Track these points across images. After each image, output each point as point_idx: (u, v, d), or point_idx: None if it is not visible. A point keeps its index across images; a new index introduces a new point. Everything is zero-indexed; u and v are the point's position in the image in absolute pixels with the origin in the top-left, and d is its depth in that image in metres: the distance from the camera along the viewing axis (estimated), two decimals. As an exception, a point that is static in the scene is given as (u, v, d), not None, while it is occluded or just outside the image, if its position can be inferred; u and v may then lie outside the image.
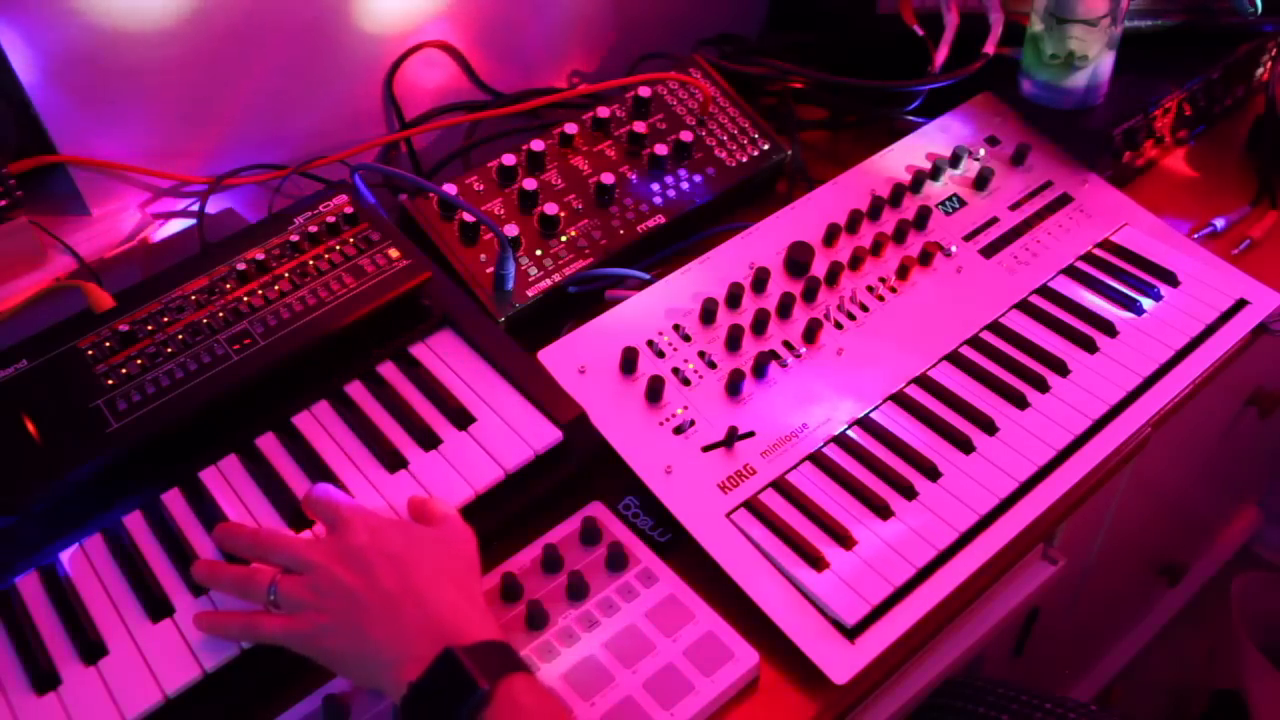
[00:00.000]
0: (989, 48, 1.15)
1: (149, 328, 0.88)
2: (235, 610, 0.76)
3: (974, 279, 1.05)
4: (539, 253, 1.04)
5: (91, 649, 0.76)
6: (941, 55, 1.16)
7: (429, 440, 0.87)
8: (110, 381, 0.85)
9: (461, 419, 0.88)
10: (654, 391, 0.91)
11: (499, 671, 0.65)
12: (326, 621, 0.70)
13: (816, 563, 0.82)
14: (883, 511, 0.86)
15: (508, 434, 0.87)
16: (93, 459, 0.81)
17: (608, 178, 1.07)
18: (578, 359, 0.94)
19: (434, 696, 0.65)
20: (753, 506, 0.86)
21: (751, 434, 0.90)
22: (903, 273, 1.03)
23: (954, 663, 0.96)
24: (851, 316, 1.00)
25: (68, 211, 1.00)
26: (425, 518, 0.78)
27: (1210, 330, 1.01)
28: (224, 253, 0.94)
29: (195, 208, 1.05)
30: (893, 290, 1.02)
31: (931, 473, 0.89)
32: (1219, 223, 1.15)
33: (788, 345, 0.97)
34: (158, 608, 0.78)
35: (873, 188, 1.09)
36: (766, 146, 1.16)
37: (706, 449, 0.89)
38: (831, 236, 1.04)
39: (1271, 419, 1.48)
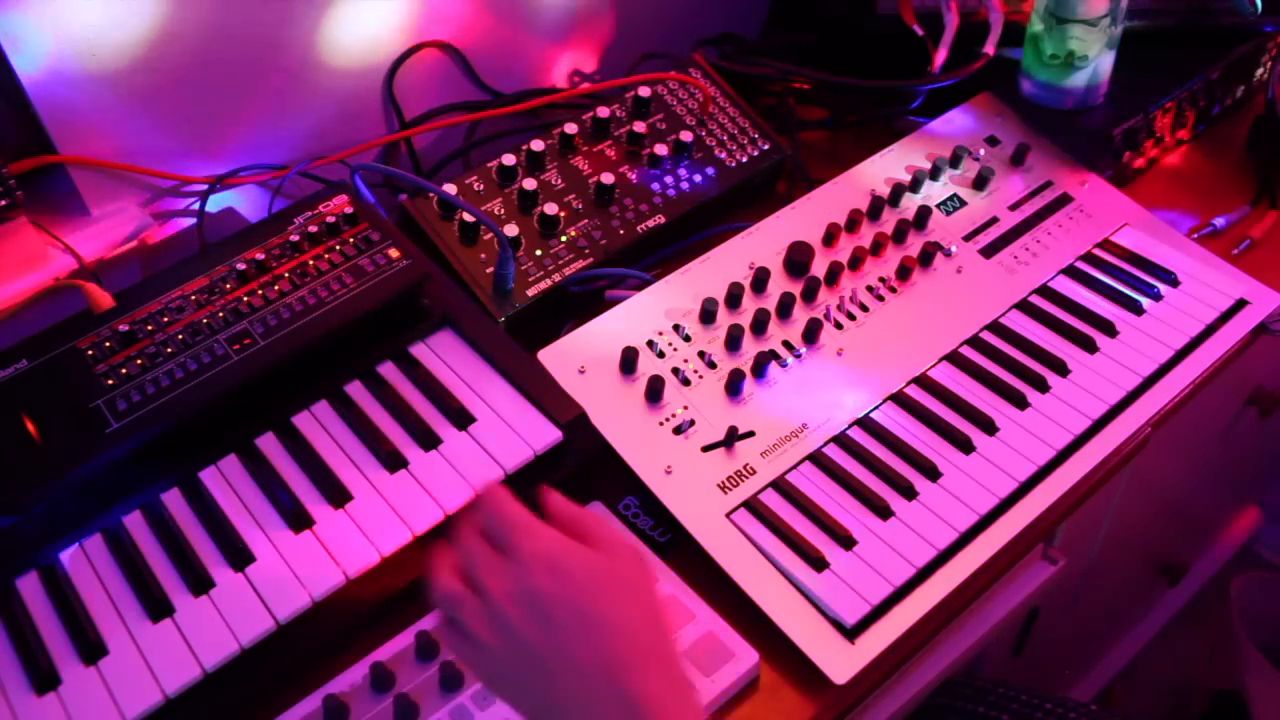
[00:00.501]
0: (989, 48, 1.15)
1: (149, 328, 0.88)
2: (436, 589, 0.65)
3: (974, 279, 1.05)
4: (539, 253, 1.04)
5: (91, 649, 0.76)
6: (941, 55, 1.16)
7: (429, 440, 0.87)
8: (110, 381, 0.85)
9: (461, 419, 0.88)
10: (654, 391, 0.91)
11: None
12: (503, 671, 0.62)
13: (816, 563, 0.82)
14: (883, 511, 0.86)
15: (508, 434, 0.87)
16: (93, 459, 0.81)
17: (608, 178, 1.07)
18: (578, 359, 0.94)
19: None
20: (753, 506, 0.86)
21: (751, 434, 0.90)
22: (903, 273, 1.03)
23: (954, 663, 0.96)
24: (851, 316, 1.00)
25: (68, 211, 1.00)
26: (586, 537, 0.64)
27: (1210, 330, 1.01)
28: (224, 253, 0.94)
29: (195, 208, 1.05)
30: (893, 290, 1.02)
31: (931, 473, 0.89)
32: (1219, 223, 1.15)
33: (788, 345, 0.97)
34: (158, 608, 0.78)
35: (873, 188, 1.09)
36: (766, 146, 1.16)
37: (706, 449, 0.89)
38: (831, 236, 1.04)
39: (1271, 419, 1.48)
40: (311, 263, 0.93)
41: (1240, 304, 1.04)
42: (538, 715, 0.62)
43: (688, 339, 0.96)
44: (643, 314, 0.98)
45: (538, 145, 1.08)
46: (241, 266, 0.92)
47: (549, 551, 0.62)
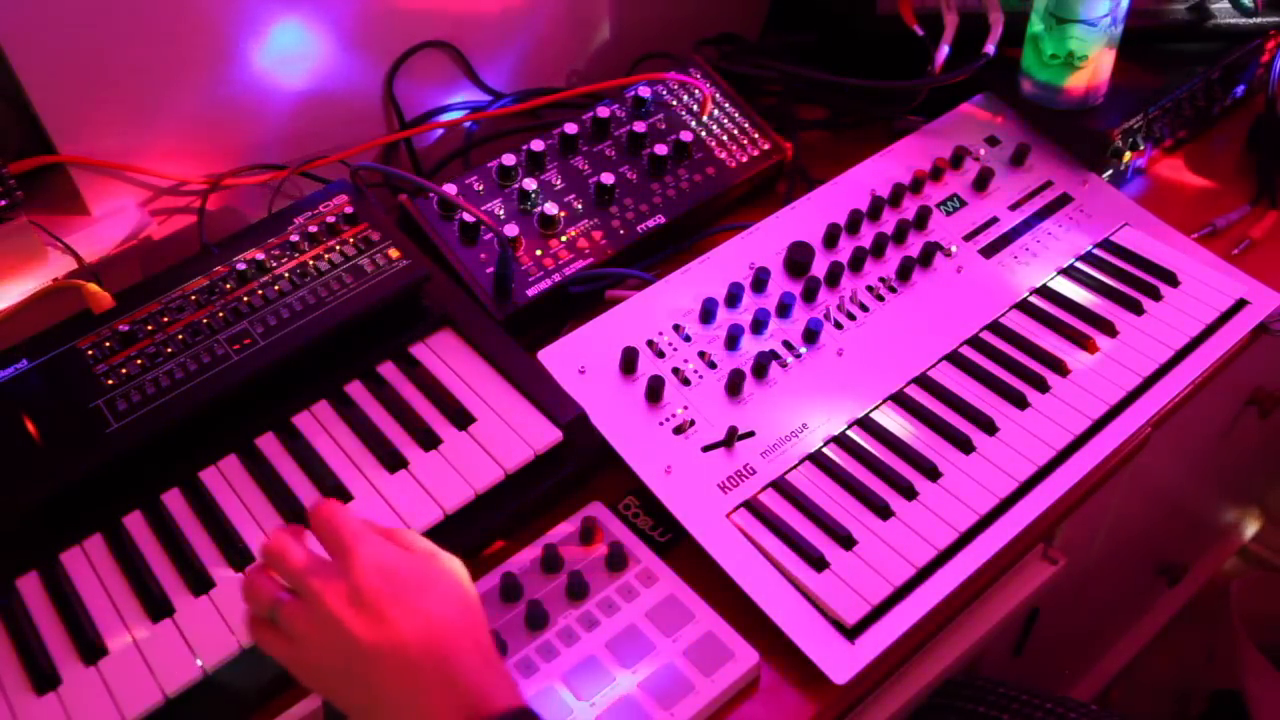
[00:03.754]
0: (989, 48, 1.15)
1: (149, 328, 0.88)
2: (253, 590, 0.69)
3: (974, 279, 1.05)
4: (539, 253, 1.04)
5: (91, 649, 0.76)
6: (941, 55, 1.16)
7: (429, 440, 0.87)
8: (110, 381, 0.85)
9: (461, 419, 0.88)
10: (654, 391, 0.91)
11: None
12: (330, 666, 0.65)
13: (816, 563, 0.82)
14: (883, 511, 0.86)
15: (508, 434, 0.87)
16: (93, 459, 0.81)
17: (608, 178, 1.07)
18: (578, 359, 0.94)
19: None
20: (753, 506, 0.86)
21: (751, 434, 0.90)
22: (903, 273, 1.03)
23: (954, 663, 0.96)
24: (851, 317, 1.00)
25: (68, 211, 1.00)
26: (409, 548, 0.70)
27: (1210, 330, 1.01)
28: (224, 253, 0.94)
29: (195, 208, 1.05)
30: (893, 290, 1.02)
31: (931, 473, 0.89)
32: (1219, 223, 1.15)
33: (788, 345, 0.97)
34: (158, 608, 0.78)
35: (873, 188, 1.09)
36: (766, 146, 1.16)
37: (706, 449, 0.89)
38: (831, 236, 1.04)
39: (1271, 419, 1.48)
40: (311, 263, 0.93)
41: (1240, 304, 1.04)
42: (358, 709, 0.66)
43: (688, 339, 0.96)
44: (643, 314, 0.98)
45: (538, 145, 1.08)
46: (241, 266, 0.92)
47: (378, 555, 0.67)
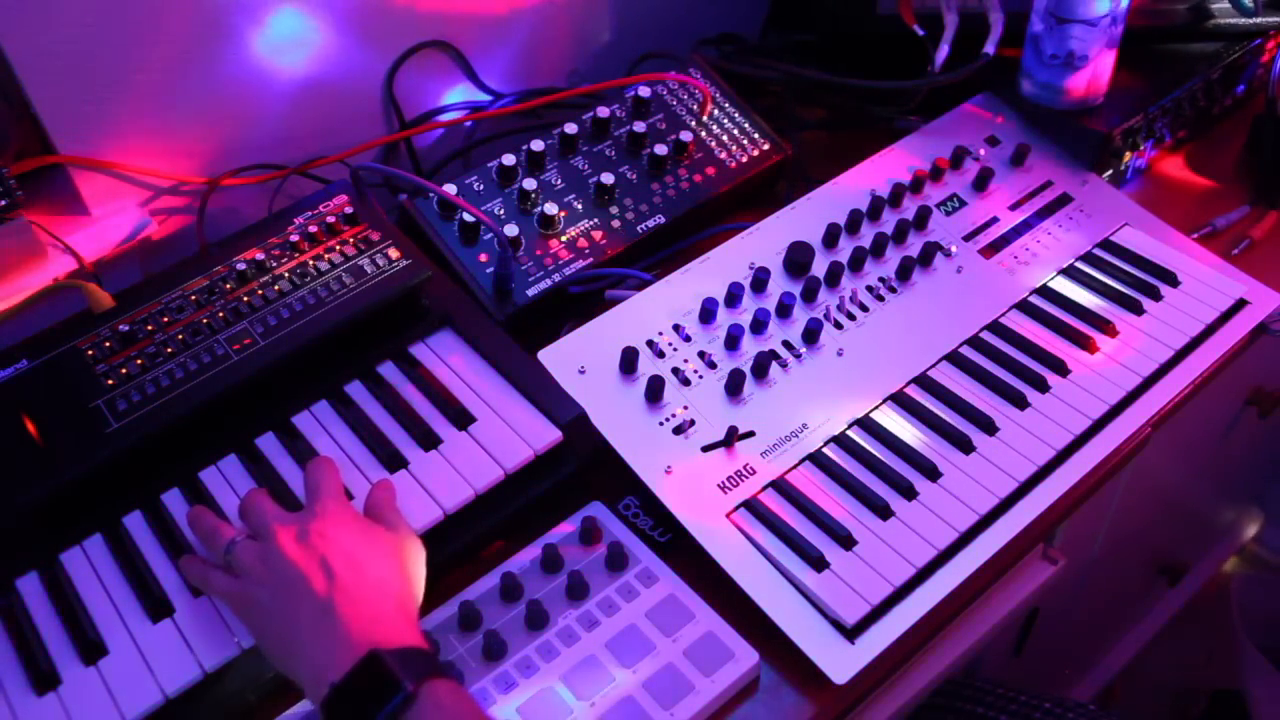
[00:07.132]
0: (989, 48, 1.15)
1: (149, 328, 0.88)
2: (203, 558, 0.78)
3: (974, 279, 1.05)
4: (539, 253, 1.04)
5: (91, 649, 0.76)
6: (941, 55, 1.16)
7: (429, 440, 0.87)
8: (110, 381, 0.85)
9: (461, 419, 0.88)
10: (654, 391, 0.91)
11: (422, 674, 0.65)
12: (263, 596, 0.71)
13: (816, 563, 0.82)
14: (883, 511, 0.86)
15: (508, 434, 0.87)
16: (93, 459, 0.81)
17: (608, 178, 1.07)
18: (578, 359, 0.94)
19: (356, 697, 0.65)
20: (753, 506, 0.86)
21: (751, 434, 0.90)
22: (903, 273, 1.03)
23: (954, 663, 0.96)
24: (851, 317, 1.00)
25: (68, 211, 1.00)
26: (383, 518, 0.77)
27: (1210, 330, 1.01)
28: (224, 253, 0.94)
29: (195, 208, 1.05)
30: (893, 290, 1.02)
31: (931, 473, 0.89)
32: (1219, 223, 1.15)
33: (788, 345, 0.97)
34: (158, 608, 0.78)
35: (873, 188, 1.09)
36: (766, 146, 1.16)
37: (706, 449, 0.89)
38: (831, 237, 1.04)
39: (1271, 419, 1.48)
40: (311, 263, 0.93)
41: (1240, 304, 1.04)
42: (282, 649, 0.71)
43: (688, 339, 0.96)
44: (643, 314, 0.98)
45: (538, 145, 1.08)
46: (241, 266, 0.92)
47: (337, 511, 0.75)
